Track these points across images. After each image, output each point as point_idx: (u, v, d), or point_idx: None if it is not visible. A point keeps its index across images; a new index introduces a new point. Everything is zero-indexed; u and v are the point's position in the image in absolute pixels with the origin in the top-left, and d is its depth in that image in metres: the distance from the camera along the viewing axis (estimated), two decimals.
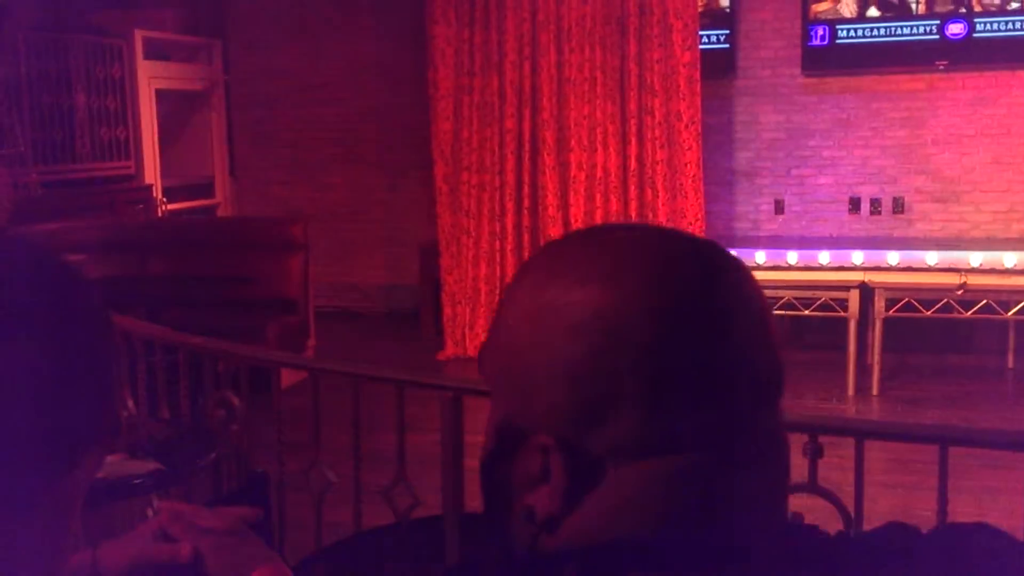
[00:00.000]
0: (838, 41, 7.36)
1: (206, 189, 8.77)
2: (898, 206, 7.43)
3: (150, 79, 7.89)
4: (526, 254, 7.33)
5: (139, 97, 7.76)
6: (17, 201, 5.70)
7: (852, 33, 7.33)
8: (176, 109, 8.53)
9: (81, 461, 0.78)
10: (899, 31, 7.23)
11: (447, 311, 7.43)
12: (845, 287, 6.06)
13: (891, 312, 5.97)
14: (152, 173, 7.89)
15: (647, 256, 0.73)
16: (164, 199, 8.00)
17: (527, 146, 7.26)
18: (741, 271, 0.75)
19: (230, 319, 6.16)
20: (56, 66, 7.15)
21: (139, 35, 7.74)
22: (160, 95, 8.06)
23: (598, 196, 7.15)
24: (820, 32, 7.38)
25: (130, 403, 3.41)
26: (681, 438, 0.70)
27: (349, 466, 3.04)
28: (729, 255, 0.76)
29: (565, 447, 0.71)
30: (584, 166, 7.15)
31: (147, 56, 7.87)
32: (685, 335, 0.70)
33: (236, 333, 5.38)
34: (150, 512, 2.84)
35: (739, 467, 0.71)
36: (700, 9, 7.19)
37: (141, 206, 7.66)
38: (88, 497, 0.83)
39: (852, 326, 6.00)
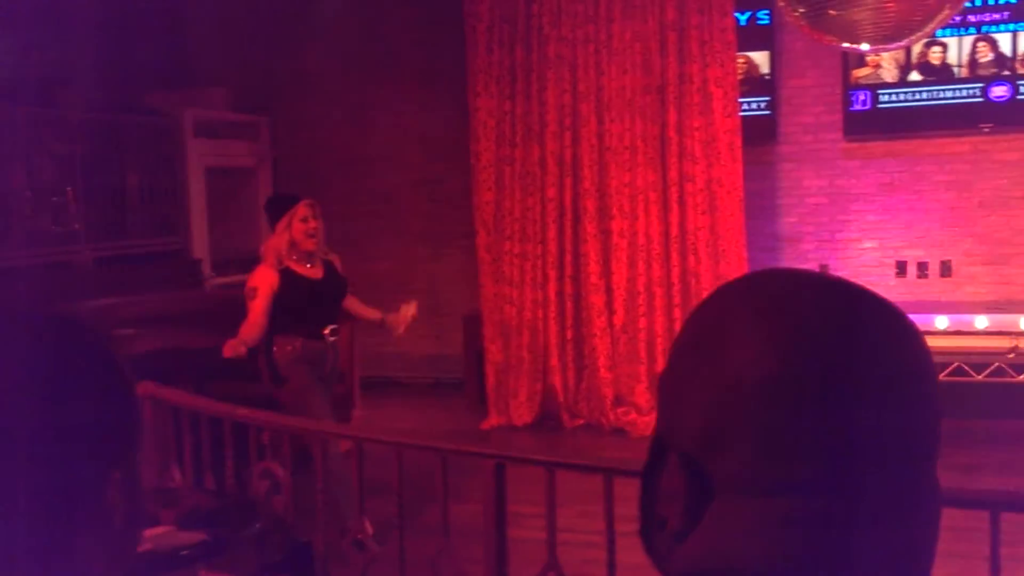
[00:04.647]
0: (880, 106, 7.37)
1: (253, 263, 8.89)
2: (945, 269, 7.35)
3: (200, 156, 8.08)
4: (569, 322, 7.33)
5: (189, 174, 7.95)
6: None
7: (894, 97, 7.34)
8: (224, 185, 8.72)
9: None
10: (942, 94, 7.22)
11: (490, 380, 7.43)
12: None
13: (941, 377, 5.88)
14: (201, 248, 8.04)
15: (786, 304, 0.76)
16: (212, 273, 8.13)
17: (569, 215, 7.30)
18: (888, 323, 0.76)
19: (277, 391, 6.20)
20: (109, 145, 7.36)
21: (189, 114, 7.95)
22: (209, 171, 8.24)
23: (640, 263, 7.15)
24: (862, 97, 7.40)
25: (176, 475, 3.44)
26: (799, 483, 0.71)
27: (395, 536, 3.03)
28: (880, 307, 0.77)
29: (689, 467, 0.74)
30: (626, 234, 7.18)
31: (197, 134, 8.07)
32: (804, 385, 0.72)
33: (284, 405, 5.42)
34: None
35: (859, 523, 0.71)
36: (740, 76, 7.25)
37: (190, 280, 7.79)
38: (135, 570, 0.86)
39: None
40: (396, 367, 8.59)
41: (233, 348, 4.47)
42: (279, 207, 4.84)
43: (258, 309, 4.64)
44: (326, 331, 4.73)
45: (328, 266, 4.89)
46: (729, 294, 0.79)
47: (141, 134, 7.62)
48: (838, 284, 0.78)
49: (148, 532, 2.67)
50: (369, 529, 3.48)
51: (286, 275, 4.70)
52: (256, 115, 8.90)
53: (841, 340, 0.73)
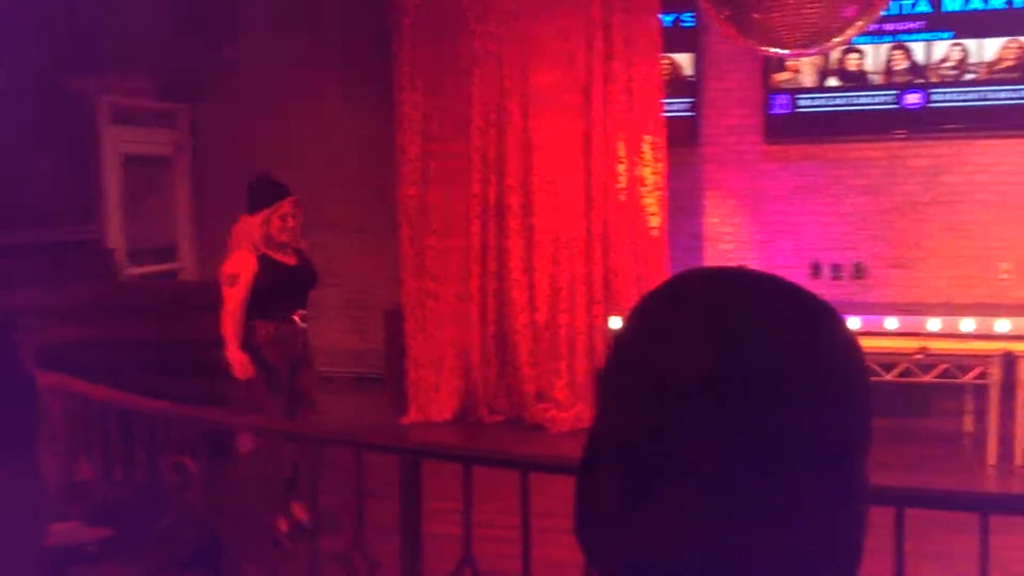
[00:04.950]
0: (799, 110, 7.50)
1: (169, 253, 8.73)
2: (858, 271, 7.53)
3: (116, 144, 7.89)
4: (491, 317, 7.34)
5: (104, 162, 7.75)
6: None
7: (812, 102, 7.48)
8: (141, 173, 8.53)
9: None
10: (858, 100, 7.39)
11: (411, 375, 7.39)
12: None
13: None
14: (116, 237, 7.85)
15: (725, 303, 0.77)
16: (127, 263, 7.95)
17: (492, 211, 7.30)
18: (824, 322, 0.77)
19: (193, 383, 6.10)
20: (20, 129, 7.14)
21: (106, 100, 7.76)
22: (126, 159, 8.05)
23: (563, 260, 7.19)
24: (781, 101, 7.53)
25: (85, 468, 3.36)
26: (735, 480, 0.72)
27: (308, 531, 3.00)
28: (815, 306, 0.78)
29: (628, 463, 0.75)
30: (549, 230, 7.20)
31: (114, 121, 7.88)
32: (741, 383, 0.72)
33: (199, 398, 5.33)
34: None
35: (794, 518, 0.72)
36: (664, 77, 7.32)
37: (104, 270, 7.60)
38: (41, 566, 0.84)
39: None
40: (318, 361, 8.48)
41: (242, 366, 4.47)
42: (264, 196, 4.77)
43: (238, 297, 4.63)
44: (296, 316, 4.72)
45: (299, 254, 4.87)
46: (667, 293, 0.80)
47: (55, 119, 7.41)
48: (778, 285, 0.79)
49: (53, 527, 2.59)
50: (283, 526, 3.44)
51: (263, 261, 4.70)
52: (176, 103, 8.72)
53: (778, 339, 0.74)
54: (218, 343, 6.45)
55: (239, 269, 4.65)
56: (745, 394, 0.72)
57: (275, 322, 4.67)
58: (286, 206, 4.73)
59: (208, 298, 7.01)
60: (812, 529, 0.73)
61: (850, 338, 0.79)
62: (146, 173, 8.63)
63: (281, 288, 4.70)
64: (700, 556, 0.72)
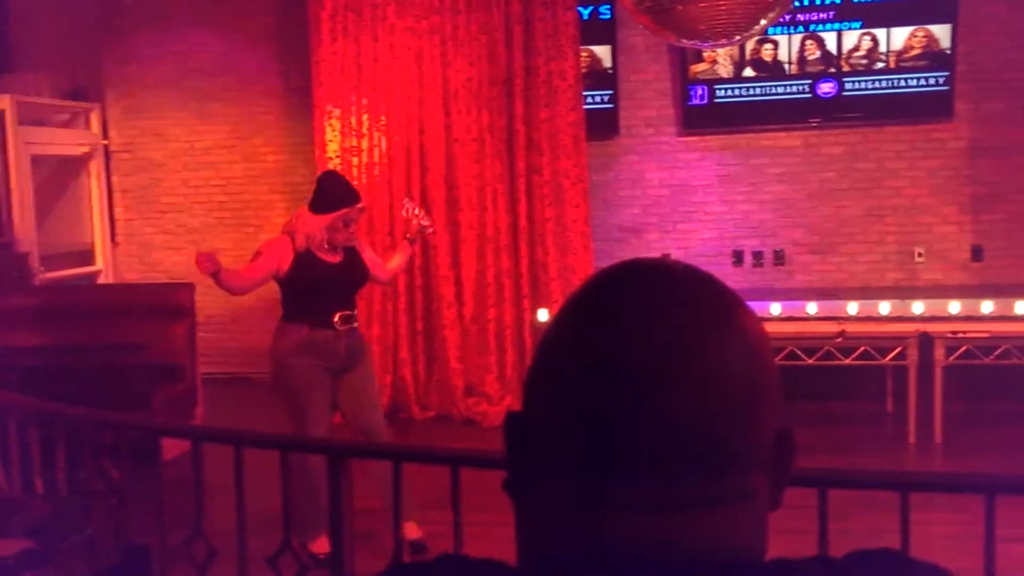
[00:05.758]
0: (716, 100, 7.61)
1: (86, 256, 8.51)
2: (779, 258, 7.67)
3: (25, 144, 7.66)
4: (419, 314, 7.31)
5: (12, 163, 7.52)
6: None
7: (729, 92, 7.59)
8: (53, 175, 8.29)
9: None
10: (774, 90, 7.52)
11: None
12: None
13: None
14: (28, 241, 7.62)
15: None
16: (41, 268, 7.73)
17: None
18: (729, 324, 0.76)
19: (115, 389, 5.97)
20: None
21: (12, 100, 7.52)
22: (36, 161, 7.82)
23: (489, 255, 7.18)
24: (699, 92, 7.62)
25: (1, 480, 3.26)
26: (618, 471, 0.72)
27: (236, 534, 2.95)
28: (731, 309, 0.77)
29: (532, 449, 0.77)
30: (475, 225, 7.20)
31: (22, 121, 7.64)
32: (628, 377, 0.71)
33: (121, 403, 5.22)
34: None
35: (682, 514, 0.72)
36: (584, 70, 7.36)
37: (17, 275, 7.37)
38: None
39: None
40: (240, 362, 8.37)
41: (206, 260, 4.12)
42: (333, 199, 4.50)
43: (253, 272, 4.45)
44: (335, 318, 4.50)
45: (348, 252, 4.63)
46: (583, 290, 0.79)
47: None
48: (684, 276, 0.78)
49: None
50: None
51: (303, 256, 4.46)
52: (86, 102, 8.50)
53: (676, 333, 0.73)
54: (135, 348, 6.32)
55: (269, 253, 4.46)
56: (632, 387, 0.71)
57: (309, 325, 4.45)
58: (352, 213, 4.53)
59: (128, 301, 6.88)
60: (695, 527, 0.71)
61: (757, 331, 0.78)
62: (57, 175, 8.39)
63: (317, 285, 4.48)
64: (573, 548, 0.72)
